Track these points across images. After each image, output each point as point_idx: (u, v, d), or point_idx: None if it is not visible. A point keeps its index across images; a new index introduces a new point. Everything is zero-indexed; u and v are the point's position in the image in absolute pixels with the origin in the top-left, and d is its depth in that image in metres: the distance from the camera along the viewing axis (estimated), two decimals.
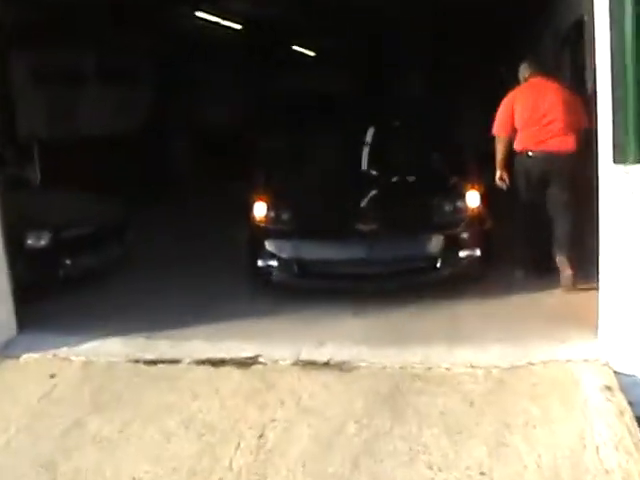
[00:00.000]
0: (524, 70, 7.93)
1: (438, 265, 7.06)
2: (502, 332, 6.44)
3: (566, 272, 7.34)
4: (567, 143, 7.35)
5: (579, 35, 9.20)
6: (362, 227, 7.21)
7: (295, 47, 22.88)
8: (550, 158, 7.34)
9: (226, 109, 26.83)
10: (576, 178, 7.34)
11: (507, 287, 7.57)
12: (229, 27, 17.86)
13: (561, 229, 7.47)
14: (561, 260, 7.39)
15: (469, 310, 7.06)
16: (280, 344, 6.43)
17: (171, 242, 10.72)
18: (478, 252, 7.21)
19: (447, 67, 24.59)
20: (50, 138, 14.73)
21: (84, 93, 17.86)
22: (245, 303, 7.60)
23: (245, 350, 6.32)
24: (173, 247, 10.40)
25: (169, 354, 6.44)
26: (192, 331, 6.92)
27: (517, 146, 7.55)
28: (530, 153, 7.41)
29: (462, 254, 7.17)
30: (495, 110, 7.82)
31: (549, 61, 11.32)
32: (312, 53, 24.47)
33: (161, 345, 6.68)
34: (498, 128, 7.63)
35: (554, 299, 7.30)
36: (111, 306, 7.73)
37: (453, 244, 7.15)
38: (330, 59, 26.24)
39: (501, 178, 7.66)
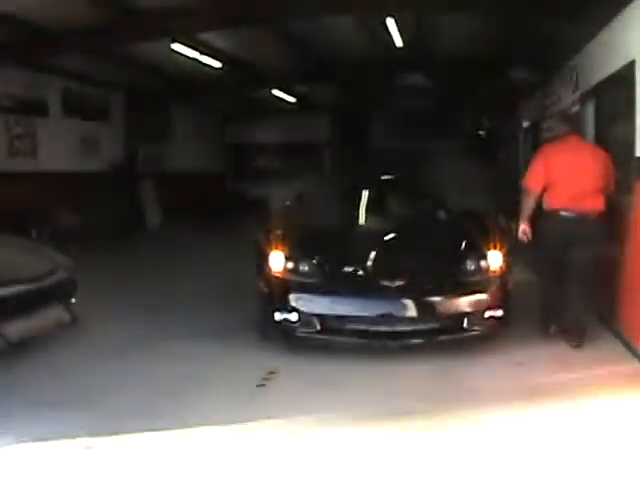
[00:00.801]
0: (558, 127, 7.91)
1: (465, 324, 6.85)
2: None
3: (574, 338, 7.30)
4: (598, 204, 7.24)
5: None
6: (388, 283, 6.90)
7: (275, 91, 21.47)
8: (581, 219, 7.20)
9: (205, 154, 25.98)
10: (601, 239, 7.27)
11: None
12: (208, 65, 16.46)
13: (573, 307, 7.33)
14: (573, 328, 7.35)
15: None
16: None
17: (138, 312, 9.29)
18: (501, 312, 7.02)
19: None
20: None
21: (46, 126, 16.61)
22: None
23: None
24: (138, 318, 8.94)
25: None
26: None
27: (549, 204, 7.37)
28: (563, 213, 7.24)
29: (487, 314, 6.93)
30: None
31: None
32: (292, 99, 23.18)
33: None
34: (531, 182, 7.47)
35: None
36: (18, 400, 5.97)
37: (478, 304, 6.92)
38: (312, 105, 25.37)
39: (524, 232, 7.51)
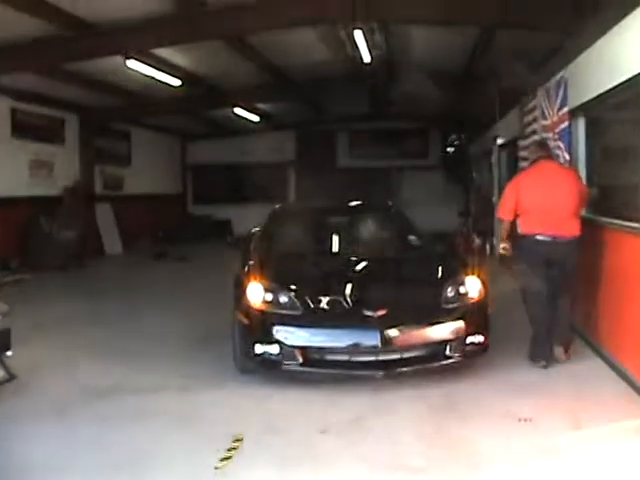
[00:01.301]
0: (533, 152, 7.97)
1: (447, 351, 6.81)
2: None
3: (561, 358, 7.55)
4: (573, 228, 7.40)
5: None
6: (370, 313, 6.74)
7: (238, 110, 20.49)
8: (557, 244, 7.33)
9: (166, 175, 25.04)
10: (577, 261, 7.46)
11: None
12: (166, 83, 15.48)
13: (560, 315, 7.55)
14: (558, 350, 7.55)
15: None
16: None
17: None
18: (482, 338, 7.00)
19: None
20: None
21: None
22: None
23: None
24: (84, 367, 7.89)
25: None
26: None
27: (524, 229, 7.55)
28: (539, 237, 7.38)
29: (468, 340, 6.90)
30: None
31: None
32: (256, 118, 22.23)
33: None
34: (504, 212, 7.77)
35: None
36: None
37: (459, 330, 6.85)
38: (276, 124, 24.54)
39: (505, 249, 7.79)
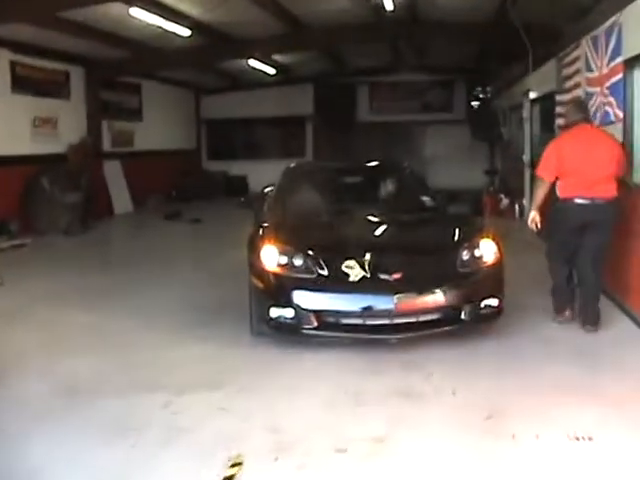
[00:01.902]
0: (572, 114, 7.59)
1: (463, 315, 6.69)
2: None
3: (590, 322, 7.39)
4: (611, 191, 7.23)
5: None
6: (386, 277, 6.60)
7: (252, 62, 19.28)
8: (596, 206, 7.20)
9: (179, 131, 23.93)
10: (614, 223, 7.29)
11: None
12: (175, 33, 14.37)
13: (587, 291, 7.43)
14: (589, 329, 7.35)
15: None
16: None
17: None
18: (497, 301, 6.90)
19: None
20: None
21: None
22: None
23: None
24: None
25: None
26: None
27: (563, 193, 7.33)
28: (578, 201, 7.23)
29: (483, 303, 6.80)
30: None
31: None
32: (272, 70, 21.00)
33: None
34: (544, 172, 7.45)
35: None
36: None
37: (475, 294, 6.78)
38: (293, 77, 23.30)
39: (534, 220, 7.53)
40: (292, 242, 7.02)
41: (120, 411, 5.48)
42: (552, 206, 7.48)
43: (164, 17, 13.36)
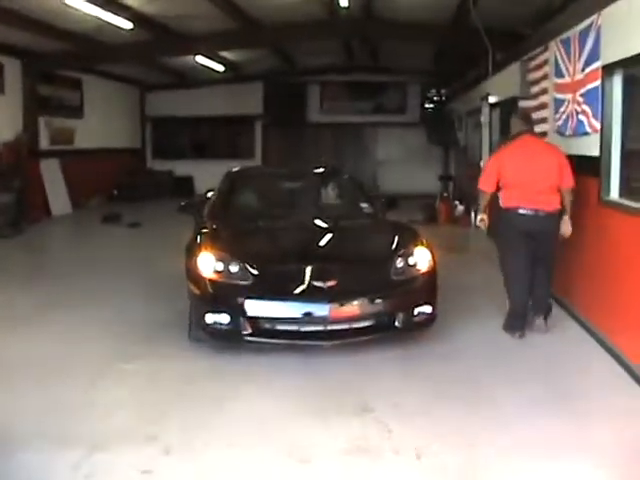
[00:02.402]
0: (517, 126, 7.79)
1: (396, 323, 6.74)
2: None
3: (542, 328, 7.57)
4: (554, 203, 7.38)
5: None
6: (321, 284, 6.61)
7: (200, 58, 18.33)
8: (540, 217, 7.36)
9: (123, 128, 22.84)
10: (557, 235, 7.49)
11: None
12: (117, 26, 13.49)
13: (540, 288, 7.58)
14: (539, 323, 7.58)
15: None
16: None
17: None
18: (430, 308, 6.96)
19: None
20: None
21: None
22: None
23: None
24: None
25: None
26: None
27: (506, 203, 7.51)
28: (521, 211, 7.38)
29: (416, 311, 6.85)
30: None
31: None
32: (220, 67, 20.07)
33: None
34: (485, 185, 7.70)
35: None
36: None
37: (408, 301, 6.82)
38: (242, 75, 22.39)
39: (482, 220, 7.84)
40: (228, 249, 7.00)
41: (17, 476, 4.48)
42: (496, 214, 7.62)
43: (102, 7, 12.40)
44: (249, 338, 6.54)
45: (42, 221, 16.46)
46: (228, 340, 6.75)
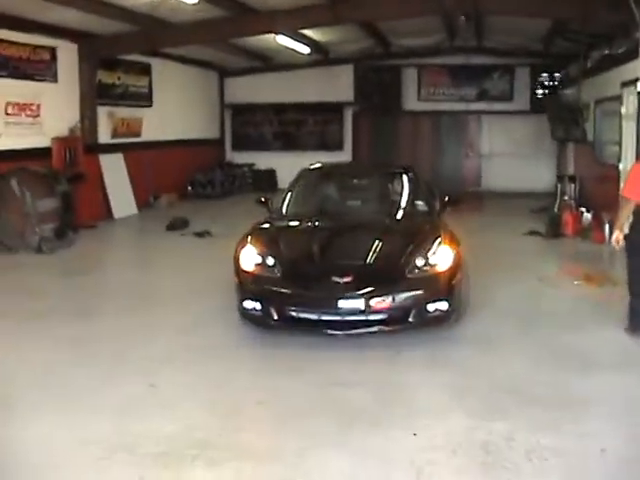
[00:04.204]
0: None
1: (410, 318, 6.93)
2: None
3: None
4: None
5: None
6: (338, 279, 6.94)
7: (282, 39, 15.73)
8: None
9: (200, 118, 20.45)
10: None
11: None
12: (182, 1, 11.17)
13: None
14: None
15: None
16: None
17: None
18: (446, 305, 7.05)
19: None
20: None
21: None
22: None
23: None
24: None
25: None
26: None
27: None
28: None
29: (431, 307, 6.99)
30: None
31: None
32: (305, 49, 17.45)
33: None
34: (629, 191, 6.98)
35: None
36: None
37: (423, 298, 7.00)
38: (330, 58, 19.77)
39: (617, 240, 7.14)
40: (268, 244, 7.53)
41: None
42: (633, 227, 7.04)
43: None
44: (276, 324, 7.06)
45: (99, 226, 14.15)
46: (260, 324, 7.25)
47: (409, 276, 7.09)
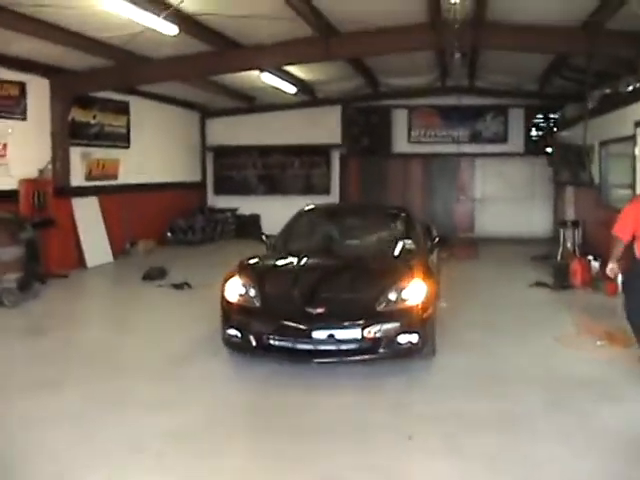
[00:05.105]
0: None
1: (380, 349, 7.15)
2: None
3: None
4: None
5: None
6: (311, 310, 7.26)
7: (266, 77, 14.76)
8: None
9: (180, 160, 19.43)
10: None
11: None
12: (160, 32, 10.25)
13: None
14: None
15: None
16: None
17: None
18: (417, 338, 7.24)
19: None
20: None
21: None
22: None
23: None
24: None
25: None
26: None
27: None
28: None
29: (402, 339, 7.20)
30: None
31: None
32: (291, 88, 16.50)
33: None
34: (619, 231, 7.28)
35: None
36: None
37: (394, 330, 7.17)
38: (317, 98, 18.89)
39: (612, 271, 7.36)
40: (252, 277, 7.88)
41: None
42: (630, 266, 7.33)
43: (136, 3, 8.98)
44: (254, 351, 7.36)
45: (70, 276, 13.00)
46: (240, 351, 7.62)
47: (379, 309, 7.32)
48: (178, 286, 11.99)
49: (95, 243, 14.65)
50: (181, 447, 5.34)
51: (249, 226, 19.72)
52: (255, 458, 5.28)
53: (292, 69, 15.61)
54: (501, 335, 8.66)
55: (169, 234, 18.05)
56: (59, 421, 5.85)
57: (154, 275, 12.77)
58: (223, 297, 7.76)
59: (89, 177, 14.96)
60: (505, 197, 19.59)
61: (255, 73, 14.56)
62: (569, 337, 8.54)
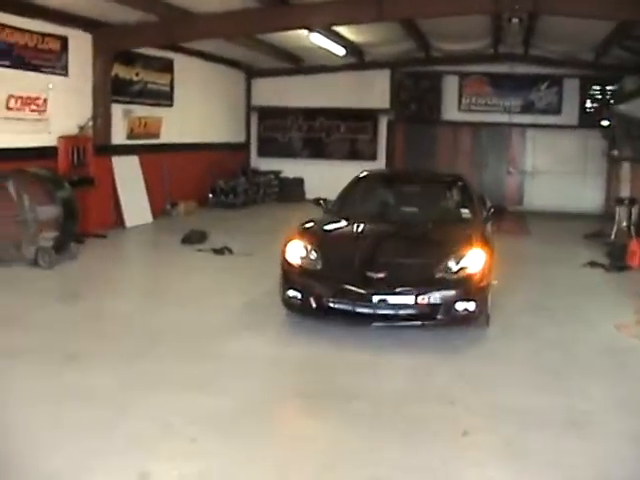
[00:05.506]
0: None
1: (438, 316, 7.24)
2: None
3: None
4: None
5: None
6: (372, 275, 7.35)
7: (315, 37, 14.17)
8: None
9: (224, 120, 18.95)
10: None
11: None
12: None
13: None
14: None
15: None
16: None
17: None
18: (474, 306, 7.27)
19: None
20: None
21: None
22: None
23: None
24: None
25: None
26: None
27: None
28: None
29: (459, 307, 7.25)
30: None
31: None
32: (340, 50, 15.90)
33: None
34: None
35: None
36: None
37: (452, 297, 7.24)
38: (366, 60, 18.28)
39: None
40: (313, 240, 7.96)
41: None
42: None
43: None
44: (314, 312, 7.48)
45: (109, 236, 12.66)
46: (300, 312, 7.71)
47: (439, 276, 7.40)
48: (218, 251, 11.55)
49: (135, 203, 14.30)
50: (217, 431, 4.90)
51: (292, 190, 19.33)
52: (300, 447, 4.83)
53: (341, 30, 15.02)
54: (557, 320, 8.10)
55: (211, 196, 17.66)
56: (89, 399, 5.42)
57: (194, 238, 12.36)
58: (284, 259, 7.86)
59: (130, 135, 14.58)
60: (556, 170, 18.87)
61: (303, 33, 14.02)
62: (631, 325, 7.93)
